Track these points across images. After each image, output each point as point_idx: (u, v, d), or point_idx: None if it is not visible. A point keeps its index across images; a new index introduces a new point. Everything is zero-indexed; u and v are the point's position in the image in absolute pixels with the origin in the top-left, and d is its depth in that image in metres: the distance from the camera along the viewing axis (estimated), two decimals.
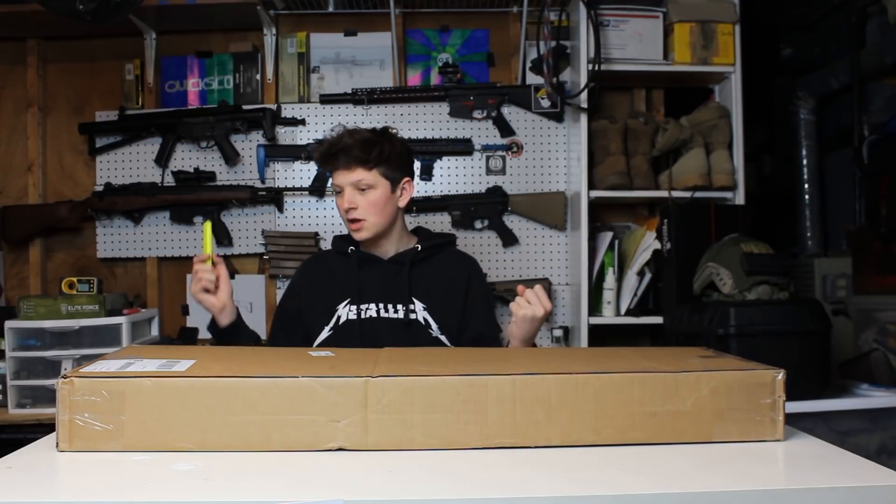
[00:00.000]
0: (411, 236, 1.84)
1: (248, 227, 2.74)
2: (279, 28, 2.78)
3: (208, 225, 1.64)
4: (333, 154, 1.72)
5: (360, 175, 1.70)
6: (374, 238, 1.76)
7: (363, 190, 1.71)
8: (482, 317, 1.78)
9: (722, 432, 0.96)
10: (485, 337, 1.75)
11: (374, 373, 0.93)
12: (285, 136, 2.74)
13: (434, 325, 1.73)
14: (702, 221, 2.39)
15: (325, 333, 1.74)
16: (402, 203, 1.79)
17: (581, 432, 0.94)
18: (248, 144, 2.73)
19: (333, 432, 0.92)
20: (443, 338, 1.73)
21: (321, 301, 1.77)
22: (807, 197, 3.44)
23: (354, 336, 1.69)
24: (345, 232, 1.83)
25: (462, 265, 1.83)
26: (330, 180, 2.66)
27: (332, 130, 1.78)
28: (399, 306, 1.72)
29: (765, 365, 0.99)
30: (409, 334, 1.69)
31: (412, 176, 1.81)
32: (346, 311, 1.73)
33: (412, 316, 1.72)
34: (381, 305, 1.73)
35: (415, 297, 1.73)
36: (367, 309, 1.73)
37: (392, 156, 1.74)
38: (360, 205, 1.71)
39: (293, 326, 1.79)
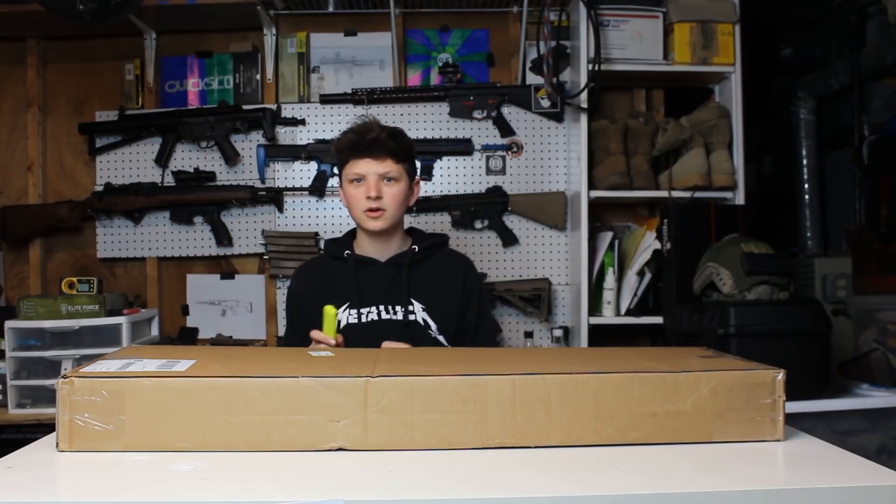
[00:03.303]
0: (407, 237, 1.85)
1: (248, 227, 2.74)
2: (279, 28, 2.78)
3: (331, 310, 1.59)
4: (368, 141, 1.69)
5: (390, 167, 1.70)
6: (383, 232, 1.75)
7: (388, 181, 1.71)
8: (475, 311, 1.80)
9: (722, 432, 0.95)
10: (478, 329, 1.77)
11: (374, 373, 0.93)
12: (285, 136, 2.74)
13: (433, 326, 1.73)
14: (702, 221, 2.39)
15: None
16: (412, 202, 1.81)
17: (581, 432, 0.94)
18: (248, 144, 2.73)
19: (333, 432, 0.91)
20: (441, 338, 1.74)
21: (321, 307, 1.74)
22: (807, 197, 3.44)
23: (359, 340, 1.68)
24: (337, 235, 1.82)
25: (457, 264, 1.84)
26: (330, 180, 2.71)
27: (357, 119, 1.77)
28: (398, 307, 1.73)
29: (765, 365, 0.98)
30: (408, 335, 1.69)
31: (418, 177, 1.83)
32: (345, 316, 1.73)
33: (411, 317, 1.72)
34: (381, 307, 1.73)
35: (413, 298, 1.74)
36: (368, 312, 1.73)
37: (411, 153, 1.77)
38: (384, 195, 1.71)
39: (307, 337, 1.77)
